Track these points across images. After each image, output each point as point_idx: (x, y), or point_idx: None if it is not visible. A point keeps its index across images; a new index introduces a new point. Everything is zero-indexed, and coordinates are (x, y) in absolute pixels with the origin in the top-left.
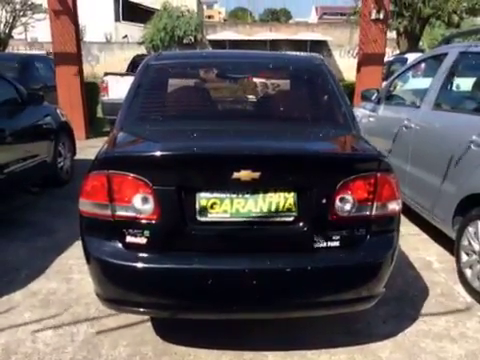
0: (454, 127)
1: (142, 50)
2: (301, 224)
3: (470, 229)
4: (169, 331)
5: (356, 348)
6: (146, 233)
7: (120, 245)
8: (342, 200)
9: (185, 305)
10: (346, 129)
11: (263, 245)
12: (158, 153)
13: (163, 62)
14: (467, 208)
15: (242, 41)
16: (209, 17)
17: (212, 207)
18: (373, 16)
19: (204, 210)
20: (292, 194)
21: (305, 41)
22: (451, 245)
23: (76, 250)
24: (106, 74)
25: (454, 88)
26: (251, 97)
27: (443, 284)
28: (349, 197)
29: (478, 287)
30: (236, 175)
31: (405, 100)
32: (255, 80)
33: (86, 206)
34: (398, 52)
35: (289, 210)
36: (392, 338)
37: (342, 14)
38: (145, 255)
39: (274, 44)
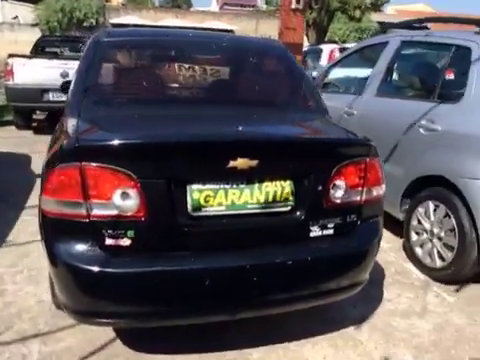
0: (400, 113)
1: (36, 32)
2: (298, 213)
3: (420, 209)
4: (140, 340)
5: (335, 334)
6: (130, 233)
7: (98, 249)
8: (336, 186)
9: (179, 310)
10: (321, 113)
11: (261, 238)
12: (144, 140)
13: (117, 39)
14: (416, 190)
15: (147, 26)
16: (107, 1)
17: (206, 200)
18: (293, 6)
19: (197, 203)
20: (288, 182)
21: (212, 30)
22: (392, 226)
23: (4, 256)
24: (10, 56)
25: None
26: (217, 79)
27: (395, 263)
28: (343, 183)
29: (429, 263)
30: (233, 164)
31: (340, 88)
32: (216, 61)
33: (51, 205)
34: (308, 43)
35: (286, 199)
36: (366, 321)
37: (242, 5)
38: (129, 258)
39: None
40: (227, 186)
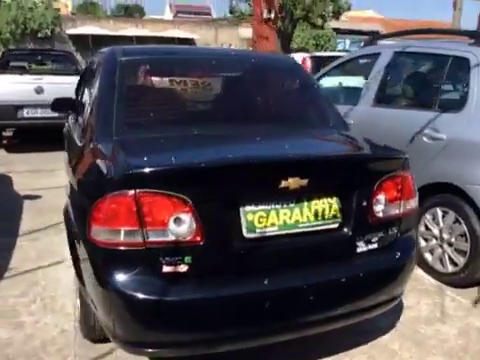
0: (401, 122)
1: None
2: (345, 229)
3: (428, 216)
4: None
5: (369, 345)
6: (187, 259)
7: (155, 277)
8: (378, 201)
9: (238, 334)
10: (346, 129)
11: (313, 256)
12: (199, 164)
13: (136, 58)
14: (423, 197)
15: (107, 36)
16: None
17: (259, 221)
18: (265, 15)
19: (251, 225)
20: (335, 199)
21: (172, 38)
22: None
23: (10, 287)
24: None
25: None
26: (241, 97)
27: None
28: (384, 197)
29: (440, 269)
30: (284, 183)
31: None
32: (239, 79)
33: (104, 235)
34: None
35: (334, 216)
36: (393, 329)
37: (196, 13)
38: (187, 285)
39: (140, 41)
40: (278, 206)
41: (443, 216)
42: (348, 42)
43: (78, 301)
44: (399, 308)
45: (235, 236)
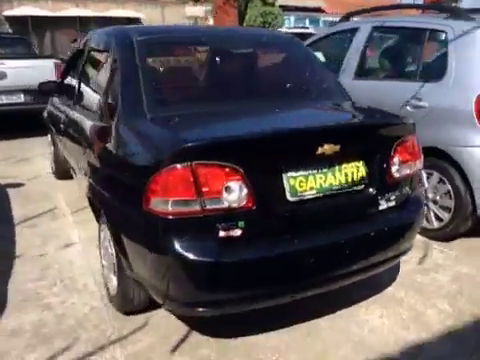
0: (384, 93)
1: None
2: (370, 190)
3: None
4: (210, 327)
5: (379, 296)
6: (240, 224)
7: (213, 241)
8: (395, 162)
9: (287, 289)
10: (349, 99)
11: (346, 215)
12: (247, 135)
13: (153, 37)
14: None
15: (47, 18)
16: None
17: (300, 185)
18: None
19: (293, 190)
20: (361, 163)
21: (117, 18)
22: None
23: (24, 272)
24: None
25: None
26: (257, 73)
27: None
28: (399, 159)
29: (427, 226)
30: (321, 150)
31: None
32: (252, 55)
33: (163, 205)
34: None
35: (361, 178)
36: (395, 281)
37: None
38: (241, 247)
39: (84, 22)
40: (314, 171)
41: (428, 177)
42: (293, 19)
43: (112, 276)
44: (397, 262)
45: (280, 200)
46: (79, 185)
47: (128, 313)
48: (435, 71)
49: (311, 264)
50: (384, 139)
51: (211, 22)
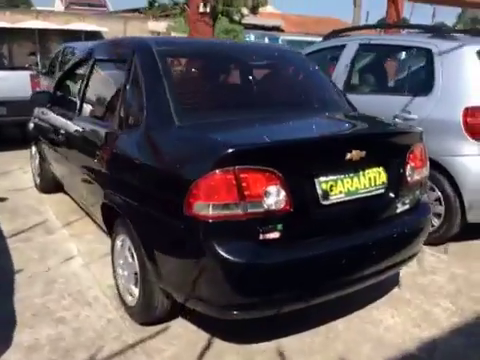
0: (373, 106)
1: None
2: (390, 194)
3: None
4: (229, 332)
5: (387, 297)
6: (279, 226)
7: (254, 244)
8: (409, 168)
9: (322, 289)
10: (355, 109)
11: (370, 217)
12: (286, 142)
13: (172, 48)
14: None
15: (5, 30)
16: None
17: (330, 189)
18: (201, 9)
19: (325, 193)
20: (381, 168)
21: (78, 31)
22: None
23: (28, 288)
24: None
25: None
26: (272, 84)
27: None
28: (412, 165)
29: None
30: (349, 156)
31: None
32: (267, 67)
33: (206, 209)
34: None
35: (382, 182)
36: (399, 283)
37: (90, 5)
38: (281, 249)
39: (43, 34)
40: (342, 176)
41: None
42: (253, 37)
43: (132, 287)
44: None
45: (314, 203)
46: (80, 197)
47: (148, 324)
48: (423, 86)
49: (343, 264)
50: (400, 146)
51: None
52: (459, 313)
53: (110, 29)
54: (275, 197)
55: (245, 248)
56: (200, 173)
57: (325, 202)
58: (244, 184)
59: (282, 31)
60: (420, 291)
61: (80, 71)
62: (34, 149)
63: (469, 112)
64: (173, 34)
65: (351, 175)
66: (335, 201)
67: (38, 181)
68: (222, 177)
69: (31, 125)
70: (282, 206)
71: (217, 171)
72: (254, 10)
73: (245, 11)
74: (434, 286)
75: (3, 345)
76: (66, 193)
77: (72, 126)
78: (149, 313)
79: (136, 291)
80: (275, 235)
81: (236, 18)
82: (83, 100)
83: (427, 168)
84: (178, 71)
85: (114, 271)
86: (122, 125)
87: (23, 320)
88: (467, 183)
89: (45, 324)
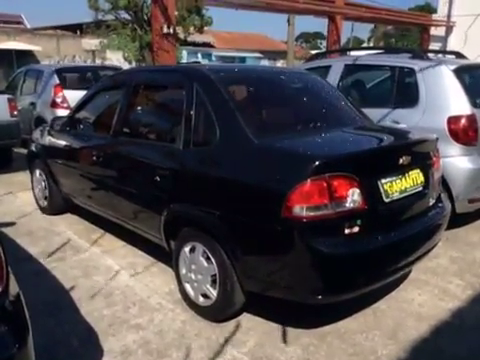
0: None
1: None
2: (426, 191)
3: None
4: (306, 320)
5: (408, 280)
6: (358, 222)
7: (341, 237)
8: (434, 169)
9: (390, 271)
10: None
11: (417, 211)
12: (361, 152)
13: (229, 75)
14: None
15: None
16: None
17: (390, 189)
18: (165, 30)
19: (386, 193)
20: (418, 170)
21: (9, 51)
22: None
23: (90, 303)
24: None
25: None
26: (313, 104)
27: None
28: (436, 166)
29: None
30: (401, 161)
31: None
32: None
33: (304, 211)
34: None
35: (421, 182)
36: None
37: (6, 22)
38: (360, 241)
39: None
40: (395, 178)
41: None
42: (185, 53)
43: (209, 288)
44: None
45: (380, 201)
46: (120, 214)
47: (222, 321)
48: (408, 99)
49: (403, 250)
50: (428, 150)
51: (108, 56)
52: (470, 286)
53: (43, 47)
54: (355, 197)
55: (335, 241)
56: (296, 181)
57: (387, 200)
58: (333, 188)
59: (214, 47)
60: (432, 273)
61: (110, 96)
62: (38, 172)
63: (452, 120)
64: (108, 53)
65: (400, 177)
66: (393, 198)
67: (45, 204)
68: (316, 183)
69: (33, 149)
70: (360, 205)
71: (312, 178)
72: (200, 30)
73: (192, 30)
74: (441, 268)
75: (98, 353)
76: (73, 213)
77: (111, 148)
78: (228, 310)
79: (213, 291)
80: (355, 229)
81: (181, 36)
82: (124, 123)
83: (441, 169)
84: (241, 95)
85: (178, 277)
86: (188, 144)
87: (102, 330)
88: (454, 180)
89: (125, 331)
